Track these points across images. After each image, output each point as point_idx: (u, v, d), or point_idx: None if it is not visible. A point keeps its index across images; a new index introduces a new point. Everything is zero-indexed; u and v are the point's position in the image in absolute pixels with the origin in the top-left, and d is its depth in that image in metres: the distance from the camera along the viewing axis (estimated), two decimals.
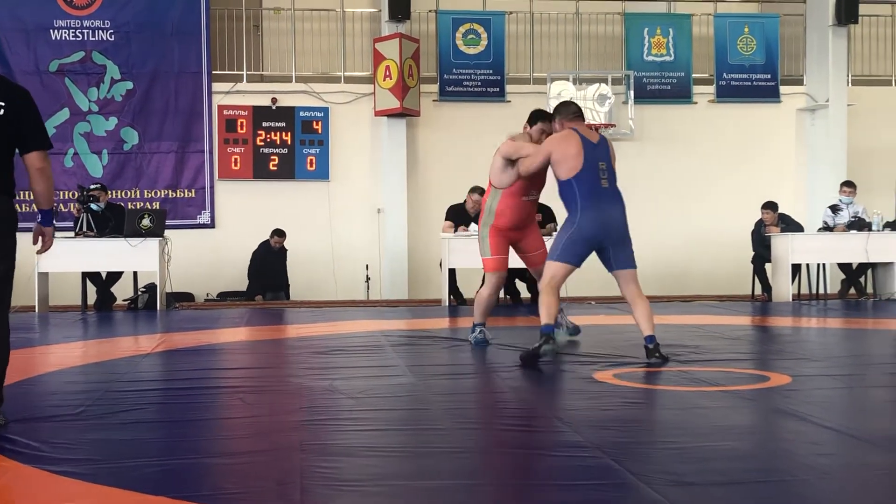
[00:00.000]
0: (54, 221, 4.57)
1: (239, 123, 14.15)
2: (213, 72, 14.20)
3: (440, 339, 7.76)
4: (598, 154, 6.35)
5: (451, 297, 11.38)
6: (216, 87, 14.19)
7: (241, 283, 13.92)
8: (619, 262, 6.32)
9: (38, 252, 4.64)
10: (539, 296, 6.50)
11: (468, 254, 11.06)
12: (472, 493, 3.16)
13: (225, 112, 14.13)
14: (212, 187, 14.15)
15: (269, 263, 13.08)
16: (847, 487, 3.28)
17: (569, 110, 6.60)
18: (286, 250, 13.22)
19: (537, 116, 7.12)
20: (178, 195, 14.02)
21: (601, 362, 6.14)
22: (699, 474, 3.39)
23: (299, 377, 5.68)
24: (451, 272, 11.38)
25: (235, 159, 14.15)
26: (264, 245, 13.13)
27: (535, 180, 6.99)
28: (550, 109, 13.83)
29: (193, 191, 14.08)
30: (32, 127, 4.33)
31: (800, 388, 5.13)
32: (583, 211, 6.28)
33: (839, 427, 4.17)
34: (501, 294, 11.87)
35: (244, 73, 14.38)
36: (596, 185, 6.29)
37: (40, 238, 4.52)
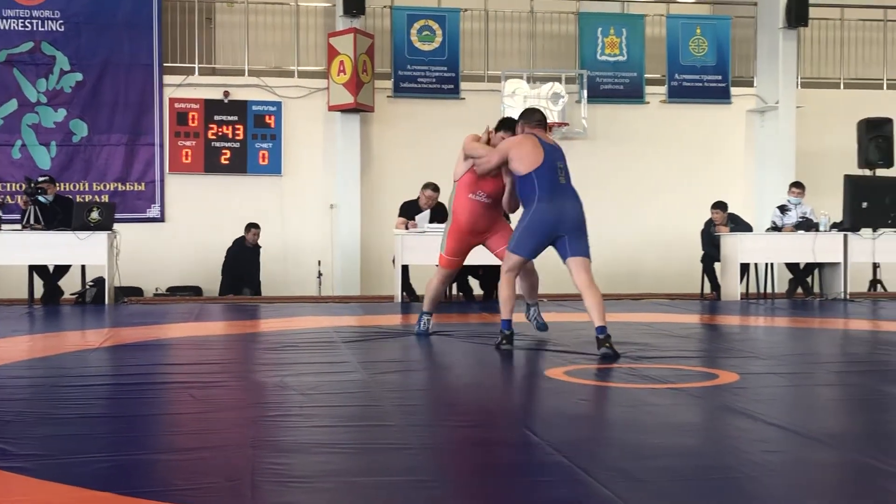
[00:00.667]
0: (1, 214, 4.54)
1: (190, 116, 14.03)
2: (165, 64, 14.07)
3: (392, 336, 7.75)
4: (555, 155, 6.60)
5: (404, 293, 11.37)
6: (167, 79, 14.06)
7: (191, 278, 13.83)
8: (574, 251, 6.45)
9: None
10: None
11: (421, 250, 11.08)
12: (424, 489, 3.15)
13: (176, 105, 14.01)
14: (162, 181, 14.02)
15: (244, 261, 12.95)
16: (794, 484, 3.32)
17: (533, 117, 6.83)
18: (260, 247, 13.11)
19: (502, 124, 7.24)
20: (128, 188, 13.87)
21: (552, 359, 6.16)
22: (650, 471, 3.41)
23: (250, 373, 5.64)
24: (405, 269, 11.37)
25: (186, 153, 14.03)
26: (239, 242, 13.01)
27: (482, 181, 7.10)
28: (504, 108, 13.96)
29: (143, 184, 13.94)
30: None
31: (748, 386, 5.18)
32: (539, 202, 6.49)
33: (786, 424, 4.22)
34: (454, 290, 11.90)
35: (196, 65, 14.26)
36: (554, 180, 6.52)
37: None
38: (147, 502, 2.98)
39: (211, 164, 14.10)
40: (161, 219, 14.04)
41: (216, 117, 14.12)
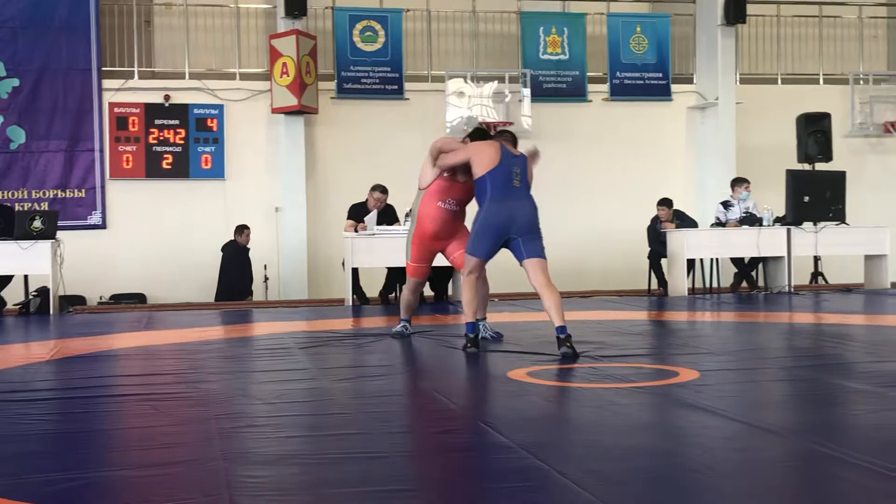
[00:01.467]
0: None
1: (130, 121, 13.82)
2: (104, 68, 13.85)
3: (348, 341, 7.72)
4: (514, 161, 6.70)
5: (355, 296, 11.31)
6: (106, 83, 13.84)
7: (135, 285, 13.64)
8: (529, 252, 6.54)
9: None
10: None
11: (371, 253, 11.05)
12: (406, 498, 3.13)
13: (116, 110, 13.80)
14: (102, 187, 13.80)
15: (239, 265, 12.76)
16: (766, 480, 3.36)
17: (504, 136, 7.07)
18: (249, 248, 12.96)
19: (475, 135, 7.30)
20: (68, 195, 13.63)
21: (513, 361, 6.18)
22: (626, 472, 3.43)
23: (209, 382, 5.56)
24: (355, 272, 11.31)
25: (127, 158, 13.83)
26: (232, 245, 12.81)
27: (452, 189, 7.16)
28: (448, 108, 13.97)
29: (83, 191, 13.71)
30: None
31: (709, 383, 5.24)
32: (489, 202, 6.58)
33: (752, 421, 4.27)
34: (427, 290, 11.86)
35: (135, 69, 14.06)
36: (508, 182, 6.60)
37: None
38: None
39: (152, 168, 13.90)
40: (102, 225, 13.80)
41: (157, 121, 13.92)
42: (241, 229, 12.91)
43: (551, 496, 3.15)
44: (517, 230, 6.55)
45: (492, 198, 6.56)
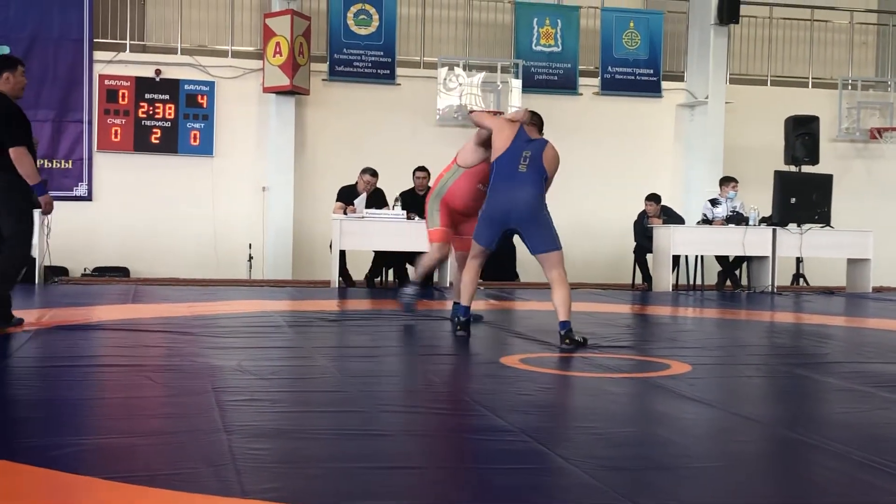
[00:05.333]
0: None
1: (121, 94, 13.75)
2: (95, 40, 13.76)
3: (337, 321, 7.72)
4: (527, 146, 6.50)
5: (341, 278, 11.32)
6: (98, 55, 13.76)
7: (119, 259, 13.59)
8: (536, 246, 6.42)
9: (42, 213, 7.04)
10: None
11: (360, 235, 11.07)
12: (409, 475, 3.15)
13: (106, 82, 13.73)
14: (90, 159, 13.73)
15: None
16: (757, 468, 3.41)
17: (533, 118, 6.81)
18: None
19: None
20: (55, 166, 13.56)
21: (504, 347, 6.22)
22: (628, 459, 3.47)
23: (204, 357, 5.56)
24: (342, 254, 11.31)
25: (116, 131, 13.76)
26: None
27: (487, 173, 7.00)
28: (439, 95, 13.96)
29: (71, 162, 13.64)
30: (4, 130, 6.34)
31: (702, 376, 5.29)
32: (491, 191, 6.49)
33: (742, 412, 4.33)
34: (391, 277, 11.89)
35: (127, 42, 13.98)
36: (513, 168, 6.43)
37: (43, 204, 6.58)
38: (135, 487, 2.93)
39: (141, 142, 13.84)
40: (88, 197, 13.74)
41: (147, 95, 13.85)
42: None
43: (553, 478, 3.18)
44: (516, 220, 6.40)
45: (493, 186, 6.48)
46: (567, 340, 6.18)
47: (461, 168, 7.27)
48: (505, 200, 6.43)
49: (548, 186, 6.63)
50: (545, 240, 6.41)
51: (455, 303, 6.96)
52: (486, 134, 6.97)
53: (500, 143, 6.52)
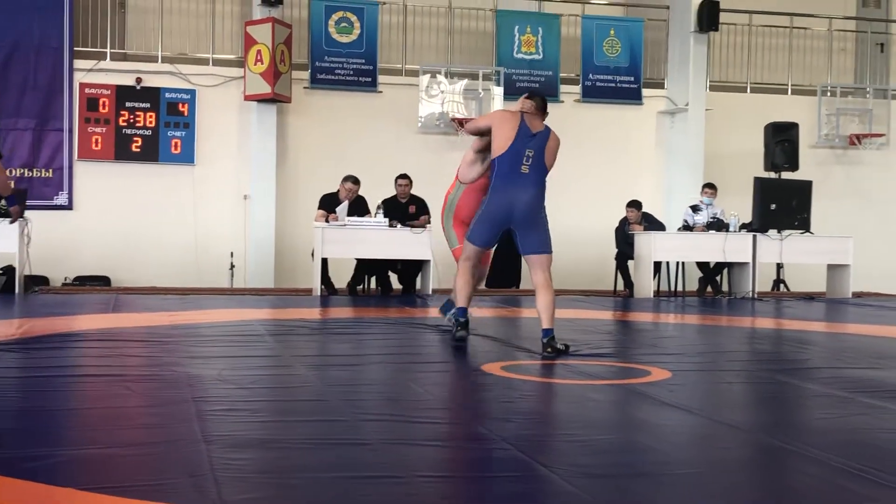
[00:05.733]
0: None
1: (101, 102, 13.69)
2: (76, 48, 13.70)
3: (319, 329, 7.71)
4: (529, 143, 6.39)
5: (323, 286, 11.30)
6: (78, 63, 13.70)
7: (100, 268, 13.53)
8: (526, 247, 6.41)
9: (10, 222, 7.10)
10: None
11: (341, 243, 11.04)
12: (391, 485, 3.15)
13: (87, 90, 13.66)
14: (70, 167, 13.66)
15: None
16: (738, 475, 3.43)
17: (536, 101, 6.64)
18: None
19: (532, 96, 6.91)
20: (35, 175, 13.48)
21: (486, 354, 6.21)
22: (608, 467, 3.47)
23: (183, 366, 5.53)
24: (324, 262, 11.29)
25: (96, 139, 13.70)
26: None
27: None
28: (421, 103, 13.97)
29: (51, 171, 13.57)
30: None
31: (682, 383, 5.31)
32: (492, 191, 6.43)
33: (723, 419, 4.34)
34: (373, 284, 11.89)
35: (108, 50, 13.93)
36: (515, 168, 6.36)
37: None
38: (113, 498, 2.91)
39: (122, 151, 13.78)
40: (69, 206, 13.66)
41: (128, 104, 13.80)
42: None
43: (534, 486, 3.18)
44: (516, 221, 6.38)
45: (494, 186, 6.41)
46: (549, 349, 6.18)
47: (463, 184, 7.23)
48: (507, 202, 6.39)
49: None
50: (538, 242, 6.41)
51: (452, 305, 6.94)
52: (483, 143, 6.90)
53: (501, 143, 6.40)
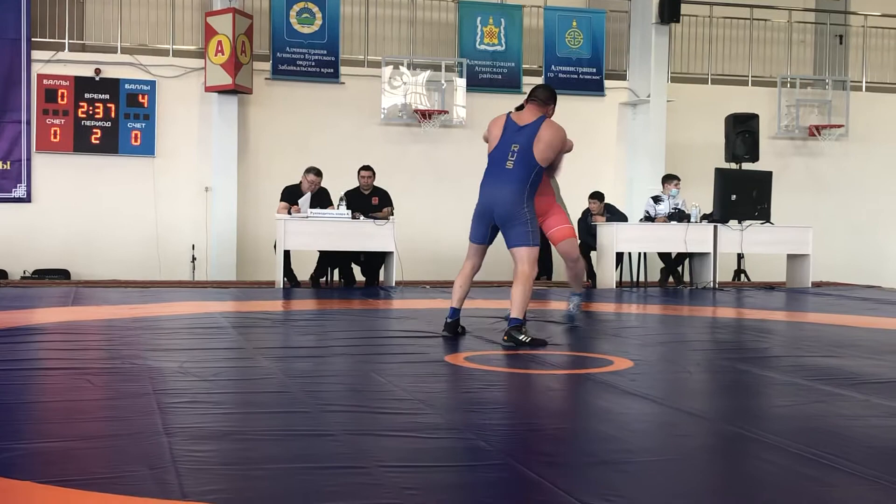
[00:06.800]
0: None
1: (60, 94, 13.54)
2: (34, 39, 13.53)
3: (281, 321, 7.68)
4: (515, 137, 6.42)
5: (286, 279, 11.25)
6: (36, 55, 13.55)
7: (59, 261, 13.40)
8: (508, 241, 6.49)
9: None
10: None
11: (303, 235, 11.00)
12: (354, 475, 3.14)
13: (45, 82, 13.51)
14: (29, 160, 13.51)
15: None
16: (700, 463, 3.46)
17: (535, 92, 6.69)
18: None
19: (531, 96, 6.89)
20: None
21: (450, 345, 6.22)
22: (570, 455, 3.49)
23: (144, 359, 5.48)
24: (286, 254, 11.24)
25: (55, 131, 13.55)
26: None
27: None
28: (385, 93, 13.92)
29: (9, 163, 13.41)
30: None
31: (644, 372, 5.34)
32: (480, 188, 6.55)
33: (685, 408, 4.37)
34: (336, 276, 11.86)
35: (66, 41, 13.77)
36: (501, 164, 6.43)
37: None
38: (72, 491, 2.89)
39: (81, 143, 13.64)
40: (27, 199, 13.51)
41: (87, 95, 13.66)
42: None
43: (496, 475, 3.19)
44: (497, 217, 6.45)
45: (482, 181, 6.55)
46: (505, 337, 6.20)
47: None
48: (489, 198, 6.49)
49: (557, 167, 6.64)
50: (517, 235, 6.44)
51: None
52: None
53: (491, 139, 6.57)
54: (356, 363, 5.63)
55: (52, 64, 13.61)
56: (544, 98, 6.67)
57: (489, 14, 15.24)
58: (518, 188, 6.40)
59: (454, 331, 6.65)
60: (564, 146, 6.63)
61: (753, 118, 14.00)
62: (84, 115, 13.62)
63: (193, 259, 13.80)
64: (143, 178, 13.88)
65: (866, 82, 17.03)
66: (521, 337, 6.21)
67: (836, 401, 4.54)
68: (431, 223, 14.04)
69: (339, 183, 11.94)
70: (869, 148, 16.51)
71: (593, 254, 12.44)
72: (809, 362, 5.80)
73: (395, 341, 6.59)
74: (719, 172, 12.57)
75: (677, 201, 12.53)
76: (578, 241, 7.75)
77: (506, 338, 6.20)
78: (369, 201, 11.67)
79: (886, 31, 17.28)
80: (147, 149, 13.89)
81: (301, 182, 11.45)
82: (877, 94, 16.97)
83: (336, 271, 11.88)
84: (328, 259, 11.68)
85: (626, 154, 15.72)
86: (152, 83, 13.92)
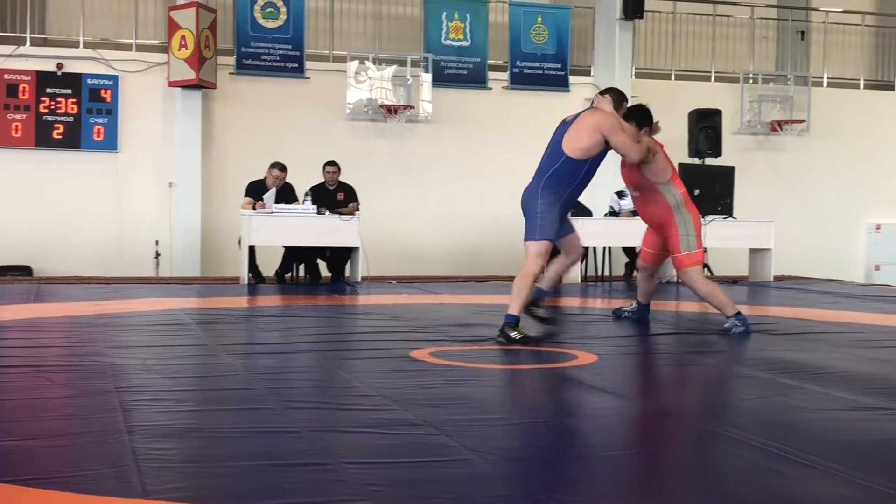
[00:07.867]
0: None
1: (21, 89, 13.38)
2: None
3: (246, 318, 7.65)
4: (556, 134, 6.55)
5: (251, 275, 11.19)
6: None
7: (21, 257, 13.26)
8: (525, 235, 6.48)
9: None
10: None
11: (269, 231, 10.95)
12: (318, 471, 3.13)
13: (6, 76, 13.35)
14: None
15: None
16: (664, 458, 3.48)
17: (609, 92, 6.78)
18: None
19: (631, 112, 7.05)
20: None
21: (414, 341, 6.22)
22: (535, 450, 3.50)
23: (106, 356, 5.45)
24: (251, 250, 11.18)
25: (16, 126, 13.39)
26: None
27: (624, 174, 7.28)
28: (351, 88, 13.86)
29: None
30: None
31: (608, 366, 5.37)
32: None
33: (648, 402, 4.41)
34: (301, 272, 11.82)
35: (27, 35, 13.61)
36: (541, 163, 6.53)
37: None
38: (32, 490, 2.86)
39: (42, 138, 13.49)
40: None
41: (48, 90, 13.50)
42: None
43: (461, 470, 3.19)
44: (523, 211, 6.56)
45: None
46: (499, 333, 6.21)
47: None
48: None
49: (632, 158, 6.63)
50: (527, 230, 6.50)
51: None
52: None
53: None
54: (321, 360, 5.62)
55: (14, 58, 13.43)
56: (618, 98, 6.69)
57: (454, 9, 15.23)
58: (536, 180, 6.47)
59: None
60: (614, 135, 6.35)
61: (716, 114, 14.07)
62: (46, 111, 13.47)
63: (157, 255, 13.71)
64: (106, 173, 13.75)
65: (828, 78, 17.18)
66: (513, 334, 6.15)
67: (797, 394, 4.59)
68: (397, 218, 14.01)
69: (304, 178, 11.90)
70: (830, 143, 16.67)
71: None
72: (771, 356, 5.85)
73: (360, 337, 6.59)
74: (682, 168, 12.62)
75: None
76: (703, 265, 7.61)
77: (499, 333, 6.22)
78: (335, 196, 11.64)
79: (848, 27, 17.45)
80: (110, 144, 13.76)
81: (266, 177, 11.40)
82: (838, 90, 17.14)
83: (301, 267, 11.84)
84: (293, 255, 11.64)
85: None
86: (115, 78, 13.79)
